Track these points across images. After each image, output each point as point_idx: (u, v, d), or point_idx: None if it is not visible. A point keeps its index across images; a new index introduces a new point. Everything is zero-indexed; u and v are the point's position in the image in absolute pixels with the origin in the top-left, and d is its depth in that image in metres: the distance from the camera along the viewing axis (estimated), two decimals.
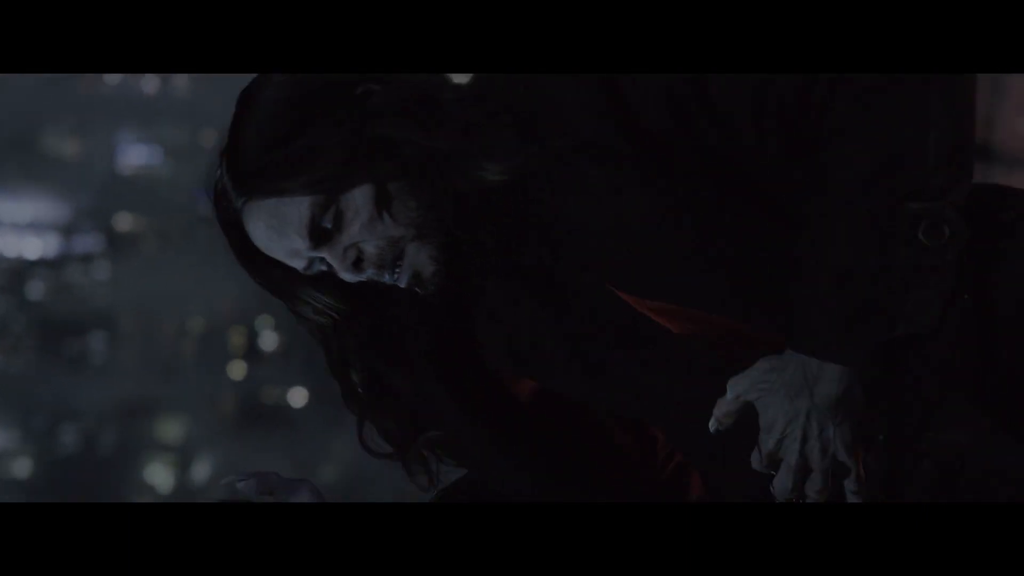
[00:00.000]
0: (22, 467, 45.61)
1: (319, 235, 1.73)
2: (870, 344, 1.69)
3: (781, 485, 1.66)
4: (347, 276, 1.76)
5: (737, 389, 1.67)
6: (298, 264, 1.76)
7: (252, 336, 40.29)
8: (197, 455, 38.89)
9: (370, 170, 1.73)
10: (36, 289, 50.64)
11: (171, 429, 40.72)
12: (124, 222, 49.19)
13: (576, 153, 1.70)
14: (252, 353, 40.35)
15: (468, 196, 1.71)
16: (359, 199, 1.73)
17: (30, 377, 47.70)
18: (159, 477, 39.08)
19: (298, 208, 1.72)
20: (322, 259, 1.76)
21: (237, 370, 39.57)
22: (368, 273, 1.75)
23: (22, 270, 51.12)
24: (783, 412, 1.68)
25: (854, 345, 1.68)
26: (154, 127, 41.21)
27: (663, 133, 1.71)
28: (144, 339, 48.45)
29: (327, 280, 1.78)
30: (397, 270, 1.75)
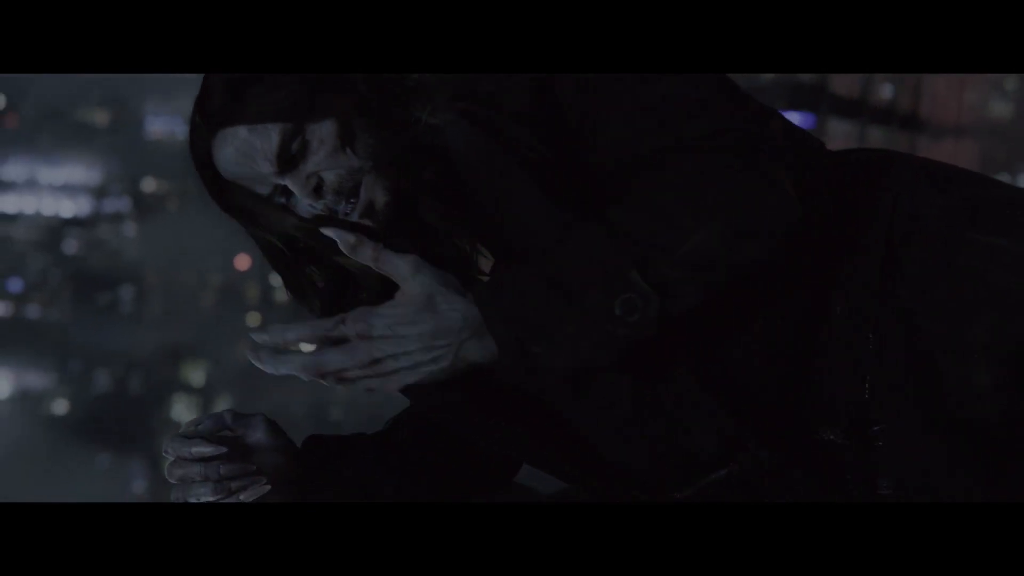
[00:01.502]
0: (60, 406, 46.07)
1: (285, 161, 1.70)
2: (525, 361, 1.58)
3: (329, 359, 1.59)
4: (306, 202, 1.71)
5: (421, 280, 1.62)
6: (262, 191, 1.73)
7: (266, 289, 40.49)
8: (218, 395, 39.27)
9: (334, 105, 1.70)
10: (71, 246, 51.63)
11: (194, 372, 41.04)
12: (150, 185, 49.93)
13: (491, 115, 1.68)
14: (265, 303, 40.66)
15: (420, 139, 1.69)
16: (324, 131, 1.70)
17: (66, 325, 48.49)
18: (183, 415, 39.30)
19: (267, 136, 1.69)
20: (284, 188, 1.72)
21: (253, 319, 39.75)
22: (326, 199, 1.70)
23: (58, 228, 51.97)
24: (421, 321, 1.60)
25: (511, 353, 1.58)
26: (177, 99, 41.23)
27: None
28: (168, 291, 49.25)
29: (286, 208, 1.74)
30: (352, 200, 1.71)
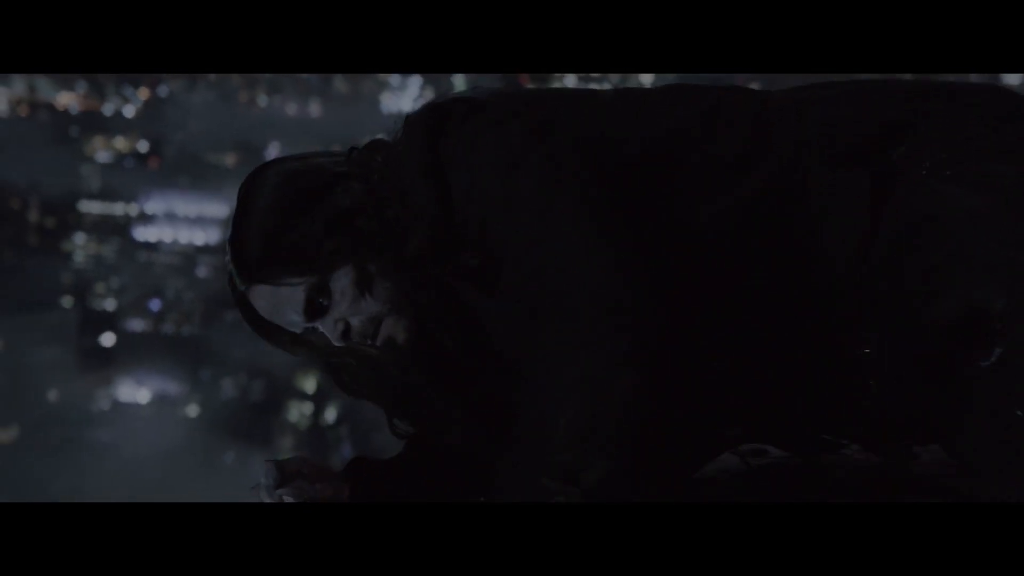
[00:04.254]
0: (192, 410, 46.99)
1: (313, 311, 1.71)
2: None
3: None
4: (336, 343, 1.72)
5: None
6: (295, 330, 1.75)
7: None
8: (327, 400, 39.74)
9: (351, 256, 1.69)
10: (203, 270, 52.30)
11: (306, 380, 41.62)
12: None
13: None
14: None
15: (439, 278, 1.66)
16: (343, 281, 1.70)
17: (198, 340, 49.29)
18: (298, 418, 39.90)
19: (294, 291, 1.71)
20: (314, 328, 1.74)
21: None
22: (353, 341, 1.72)
23: (192, 255, 52.93)
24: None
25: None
26: (296, 143, 41.90)
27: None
28: None
29: (316, 344, 1.76)
30: (376, 338, 1.72)
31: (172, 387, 48.40)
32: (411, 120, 1.64)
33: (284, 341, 1.75)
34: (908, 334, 1.48)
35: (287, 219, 1.66)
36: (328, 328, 1.69)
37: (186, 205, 53.24)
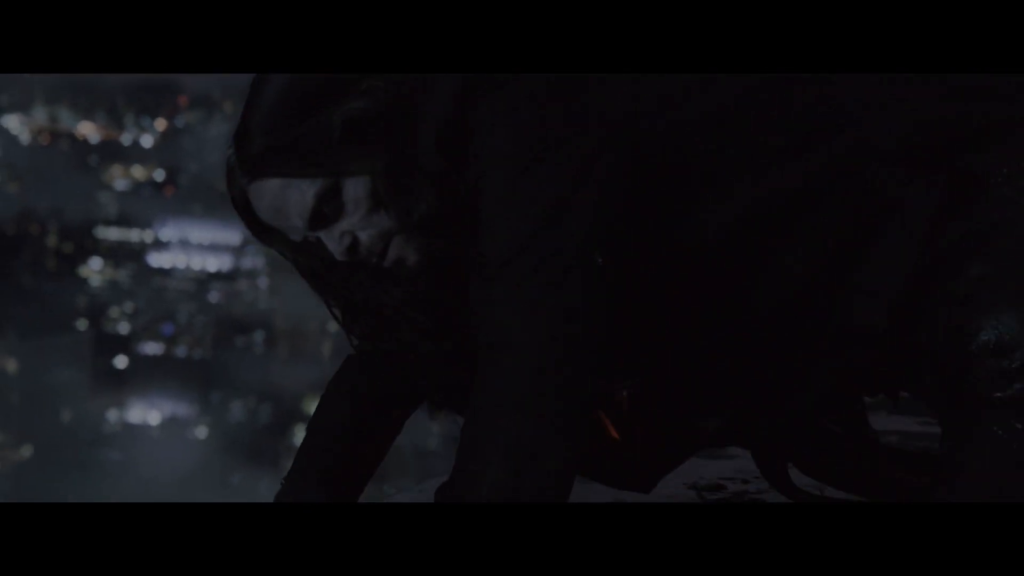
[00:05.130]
0: (201, 432, 46.94)
1: (318, 220, 1.48)
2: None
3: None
4: (339, 256, 1.50)
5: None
6: (295, 237, 1.52)
7: None
8: None
9: (370, 163, 1.46)
10: (214, 296, 52.46)
11: (313, 404, 41.21)
12: None
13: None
14: None
15: (452, 198, 1.46)
16: (359, 190, 1.47)
17: (209, 363, 49.42)
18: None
19: (302, 194, 1.47)
20: (317, 238, 1.51)
21: None
22: (360, 256, 1.49)
23: (204, 281, 53.28)
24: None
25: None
26: None
27: None
28: (295, 336, 50.44)
29: (318, 252, 1.53)
30: (384, 257, 1.50)
31: (182, 409, 48.50)
32: (437, 82, 1.47)
33: (282, 248, 1.55)
34: (943, 356, 1.37)
35: (302, 108, 1.46)
36: (332, 240, 1.49)
37: (200, 232, 53.52)
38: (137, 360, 49.65)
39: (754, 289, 1.43)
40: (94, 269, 52.54)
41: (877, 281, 1.42)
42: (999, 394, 1.36)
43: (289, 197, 1.46)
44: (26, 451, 44.08)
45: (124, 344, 49.95)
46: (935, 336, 1.40)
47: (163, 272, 53.07)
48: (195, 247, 53.32)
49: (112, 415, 47.65)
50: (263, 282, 52.09)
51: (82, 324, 50.30)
